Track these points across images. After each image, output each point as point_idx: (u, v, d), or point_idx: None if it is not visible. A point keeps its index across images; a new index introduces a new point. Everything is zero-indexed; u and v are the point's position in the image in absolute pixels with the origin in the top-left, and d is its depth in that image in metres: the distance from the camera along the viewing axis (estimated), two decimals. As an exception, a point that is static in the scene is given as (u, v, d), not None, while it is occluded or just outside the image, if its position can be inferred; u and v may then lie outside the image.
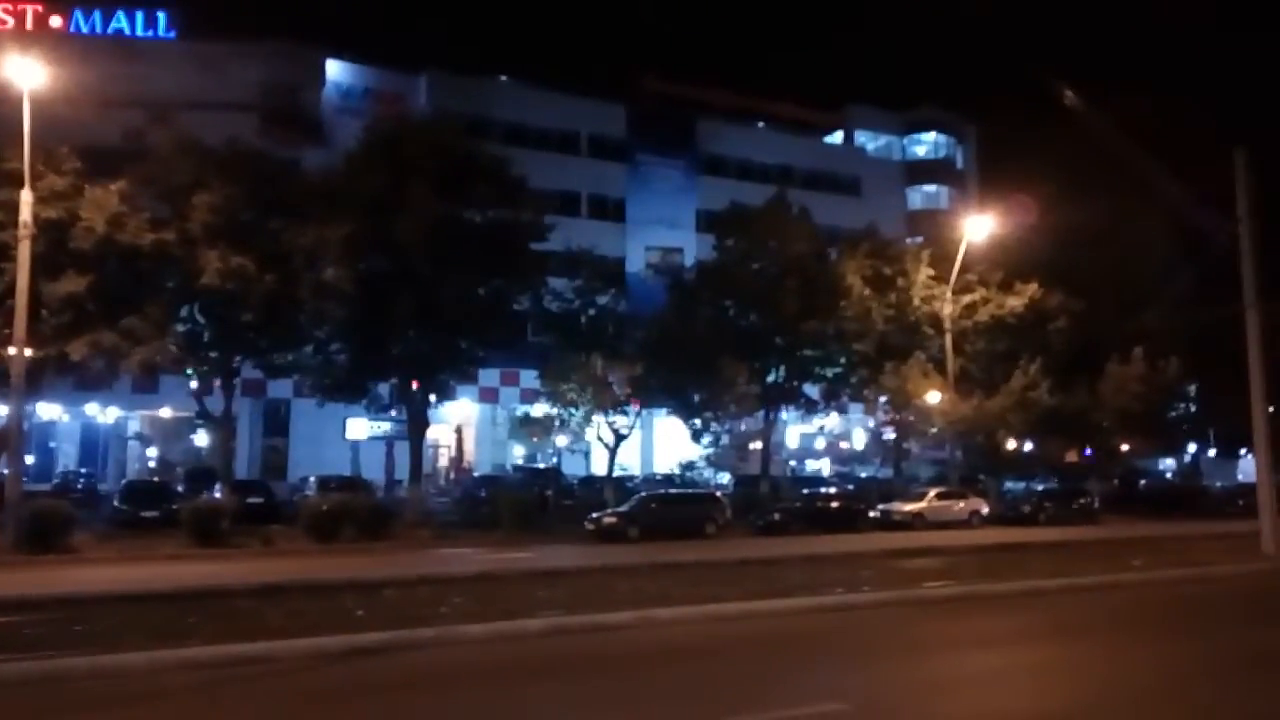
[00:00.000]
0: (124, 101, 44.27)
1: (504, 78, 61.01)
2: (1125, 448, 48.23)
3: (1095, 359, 43.58)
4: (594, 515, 31.74)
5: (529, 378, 43.09)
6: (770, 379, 42.12)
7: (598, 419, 37.26)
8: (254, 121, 45.25)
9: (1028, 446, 47.19)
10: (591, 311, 40.33)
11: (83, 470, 47.97)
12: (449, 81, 55.79)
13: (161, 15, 52.32)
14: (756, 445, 44.72)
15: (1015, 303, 42.70)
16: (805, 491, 40.83)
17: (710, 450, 42.73)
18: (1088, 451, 48.76)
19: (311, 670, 11.25)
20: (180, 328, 31.47)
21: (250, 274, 29.88)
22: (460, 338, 35.34)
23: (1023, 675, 11.06)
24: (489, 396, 52.57)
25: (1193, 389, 51.62)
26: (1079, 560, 21.76)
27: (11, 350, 25.30)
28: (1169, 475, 60.34)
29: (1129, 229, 47.60)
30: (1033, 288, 42.91)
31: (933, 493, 38.37)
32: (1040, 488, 44.99)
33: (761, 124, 68.93)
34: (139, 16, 52.16)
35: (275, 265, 30.61)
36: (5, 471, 26.67)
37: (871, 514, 36.01)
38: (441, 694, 10.23)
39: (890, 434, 48.61)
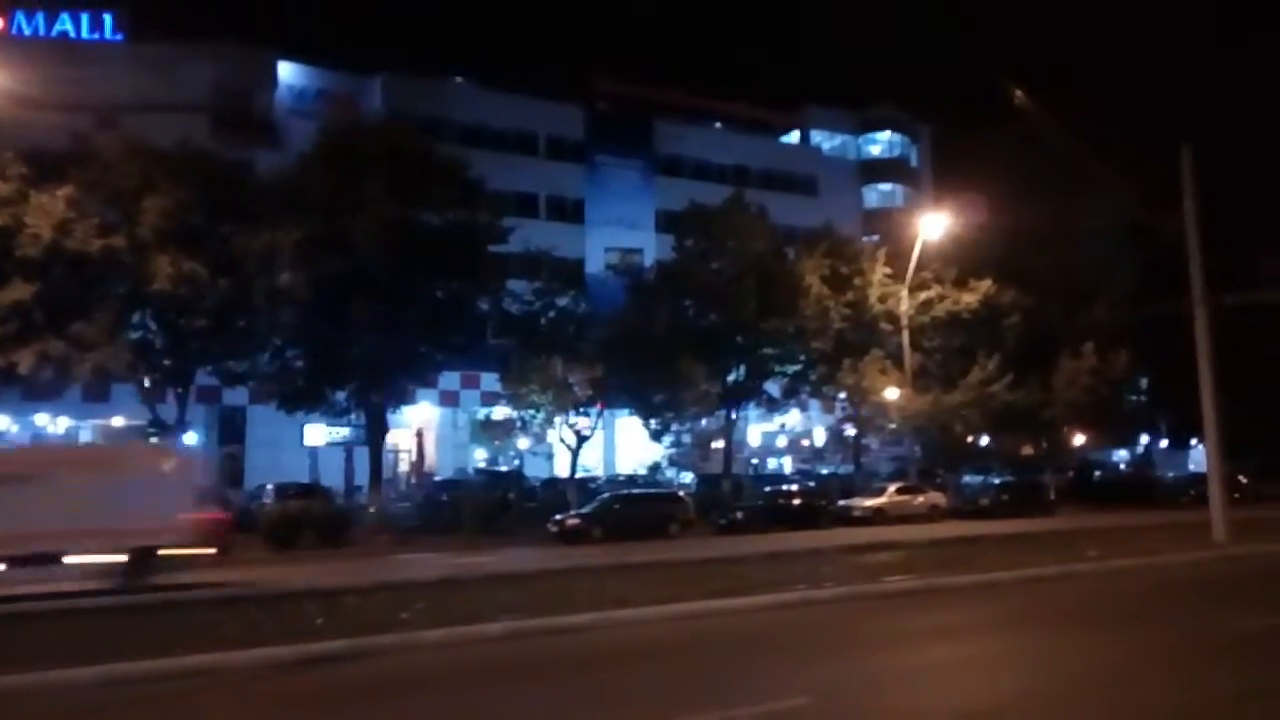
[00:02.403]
0: (70, 105, 43.22)
1: (459, 79, 60.62)
2: (1079, 440, 49.03)
3: (1048, 354, 44.33)
4: (557, 517, 31.67)
5: (490, 380, 42.88)
6: (731, 378, 42.30)
7: (559, 421, 37.19)
8: (205, 124, 44.55)
9: (984, 441, 47.85)
10: (551, 313, 40.29)
11: (32, 482, 46.86)
12: (404, 83, 55.31)
13: (108, 17, 51.34)
14: (718, 444, 44.88)
15: (970, 299, 43.31)
16: (767, 489, 41.05)
17: (672, 450, 42.79)
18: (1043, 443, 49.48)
19: (268, 680, 11.09)
20: (132, 335, 30.92)
21: (202, 279, 29.45)
22: (419, 341, 35.12)
23: (981, 666, 11.19)
24: (449, 400, 52.19)
25: (1144, 381, 52.62)
26: (1035, 552, 22.04)
27: (-45, 360, 24.71)
28: (1122, 466, 61.42)
29: (1079, 226, 48.45)
30: (987, 284, 43.55)
31: (892, 488, 38.77)
32: (997, 481, 45.64)
33: (718, 124, 69.18)
34: (84, 19, 51.15)
35: (228, 270, 30.22)
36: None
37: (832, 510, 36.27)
38: (401, 701, 10.13)
39: (850, 430, 49.02)
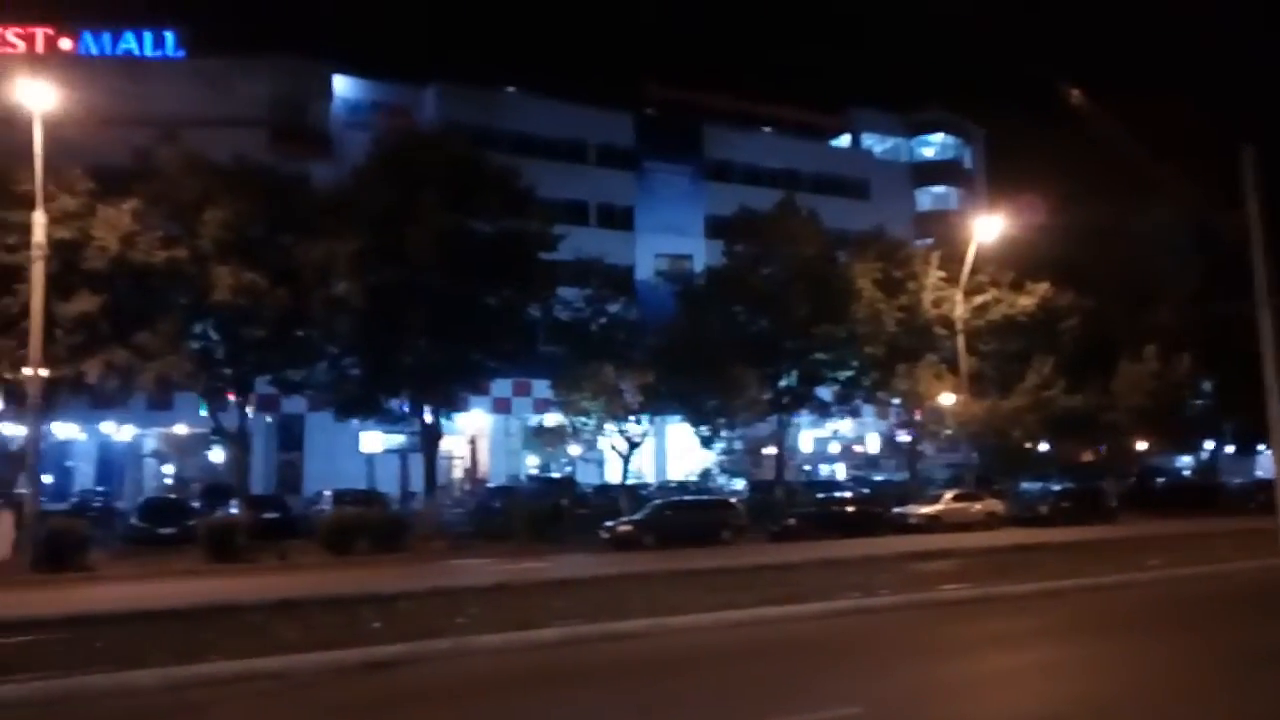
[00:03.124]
0: (133, 121, 44.50)
1: (511, 89, 61.23)
2: (1141, 446, 47.93)
3: (1108, 357, 43.43)
4: (609, 524, 31.73)
5: (541, 388, 43.17)
6: (782, 384, 42.06)
7: (610, 427, 37.28)
8: (262, 138, 45.56)
9: (1044, 447, 46.99)
10: (602, 320, 40.41)
11: (100, 489, 48.19)
12: (456, 94, 56.01)
13: (169, 35, 52.73)
14: (770, 450, 44.64)
15: (1027, 302, 42.62)
16: (820, 496, 40.76)
17: (724, 456, 42.66)
18: (1103, 449, 48.49)
19: (328, 684, 11.27)
20: (194, 345, 31.61)
21: (261, 289, 30.00)
22: (471, 349, 35.44)
23: (1038, 676, 11.01)
24: (502, 407, 52.64)
25: (1208, 385, 51.28)
26: (1095, 560, 21.63)
27: (27, 371, 25.47)
28: (1186, 473, 59.88)
29: (1138, 226, 47.41)
30: (1044, 287, 42.83)
31: (949, 495, 38.24)
32: (1056, 488, 44.75)
33: (768, 129, 68.96)
34: (147, 37, 52.59)
35: (286, 281, 30.74)
36: (23, 491, 26.84)
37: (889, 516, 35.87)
38: (458, 706, 10.24)
39: (905, 437, 48.46)
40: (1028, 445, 44.82)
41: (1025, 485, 47.81)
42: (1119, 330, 44.61)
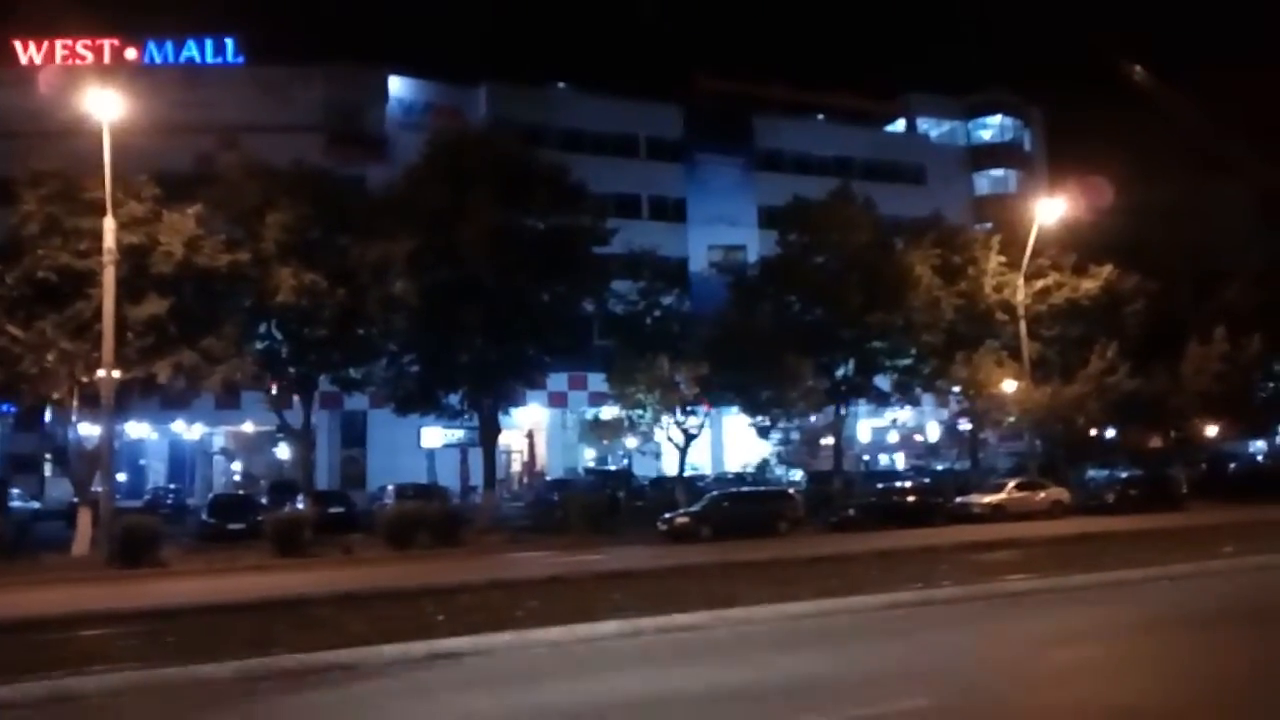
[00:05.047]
0: (195, 128, 45.68)
1: (561, 85, 61.52)
2: (1211, 431, 46.63)
3: (1174, 340, 42.28)
4: (666, 516, 31.78)
5: (596, 381, 43.33)
6: (839, 373, 41.71)
7: (666, 419, 37.31)
8: (319, 142, 46.37)
9: (1110, 433, 45.96)
10: (656, 313, 40.41)
11: (171, 486, 49.62)
12: (507, 92, 56.42)
13: (229, 42, 53.87)
14: (827, 441, 44.30)
15: (1090, 286, 41.69)
16: (879, 486, 40.33)
17: (780, 447, 42.43)
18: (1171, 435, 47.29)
19: (400, 675, 11.46)
20: (258, 345, 32.30)
21: (322, 290, 30.52)
22: (526, 344, 35.72)
23: (1107, 669, 10.81)
24: (558, 401, 52.99)
25: (1281, 367, 49.67)
26: (1165, 549, 21.14)
27: (101, 373, 26.26)
28: (1260, 458, 58.10)
29: (1204, 205, 46.05)
30: (1107, 269, 41.85)
31: (1012, 484, 37.59)
32: (1124, 475, 43.73)
33: (820, 116, 68.32)
34: (208, 44, 53.80)
35: (344, 281, 31.24)
36: (99, 489, 27.72)
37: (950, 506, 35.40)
38: (518, 696, 10.34)
39: (965, 425, 47.74)
40: (1093, 432, 43.85)
41: (1091, 473, 46.80)
42: (1186, 312, 43.41)
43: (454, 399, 36.90)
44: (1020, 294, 40.09)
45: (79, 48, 52.41)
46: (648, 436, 39.17)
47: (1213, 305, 43.33)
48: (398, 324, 32.59)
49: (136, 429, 43.89)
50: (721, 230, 59.43)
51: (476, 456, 40.71)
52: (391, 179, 37.54)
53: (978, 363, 40.16)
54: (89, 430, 29.79)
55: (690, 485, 39.37)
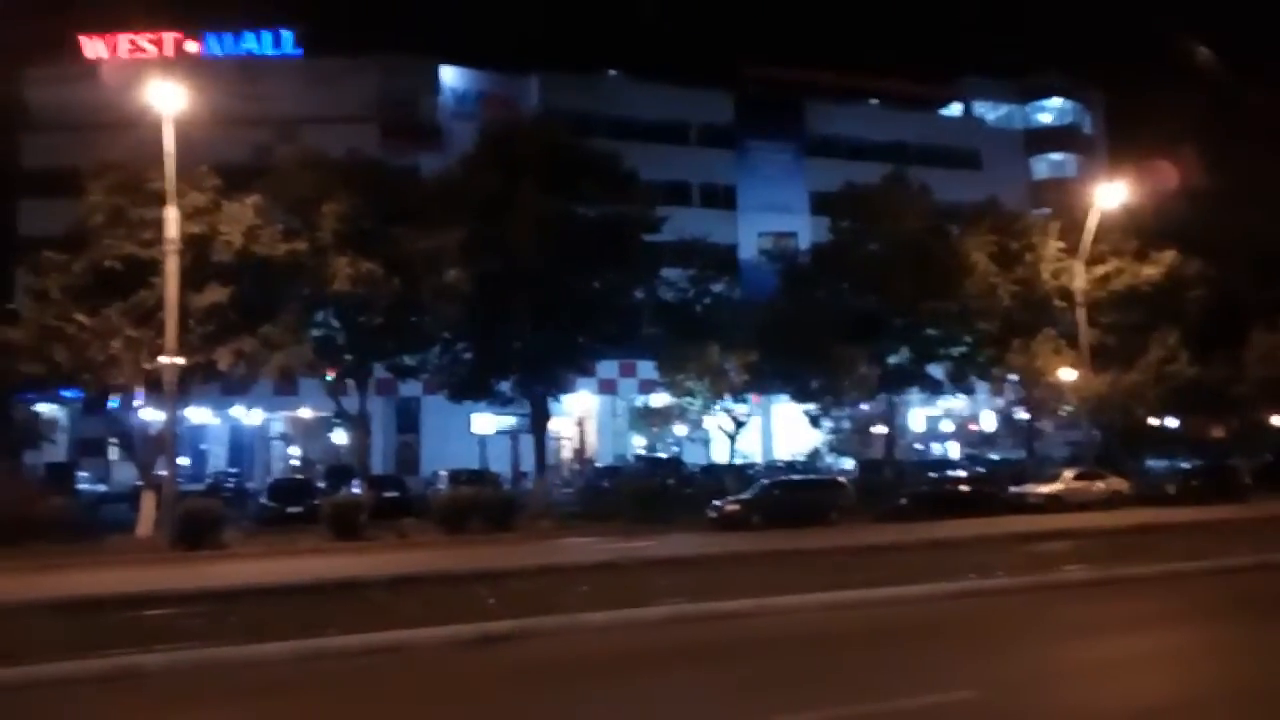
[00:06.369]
0: (253, 120, 46.56)
1: (612, 72, 61.54)
2: (1276, 420, 45.38)
3: (1238, 328, 41.20)
4: (716, 503, 31.75)
5: (646, 368, 43.45)
6: (891, 361, 41.29)
7: (716, 407, 37.27)
8: (374, 132, 46.99)
9: (1171, 423, 44.95)
10: (706, 300, 40.37)
11: (232, 470, 50.79)
12: (558, 80, 56.60)
13: (287, 34, 54.75)
14: (879, 429, 43.93)
15: (1151, 272, 40.75)
16: (932, 475, 39.90)
17: (831, 435, 42.18)
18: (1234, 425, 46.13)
19: (451, 657, 11.66)
20: (315, 332, 32.88)
21: (377, 278, 30.97)
22: (577, 332, 35.91)
23: (1163, 662, 10.63)
24: (608, 388, 53.21)
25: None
26: (1227, 541, 20.63)
27: (164, 359, 26.95)
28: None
29: (1268, 189, 44.62)
30: (1169, 255, 40.85)
31: (1069, 473, 36.93)
32: (1185, 466, 42.75)
33: (873, 101, 67.49)
34: (266, 37, 54.72)
35: (399, 270, 31.66)
36: (162, 473, 28.48)
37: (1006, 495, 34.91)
38: (571, 680, 10.48)
39: (1022, 414, 46.99)
40: (1152, 421, 42.92)
41: (1151, 463, 45.83)
42: (1249, 299, 42.24)
43: (505, 386, 37.26)
44: (1079, 280, 39.29)
45: (141, 42, 53.65)
46: (697, 424, 39.21)
47: (1277, 292, 42.11)
48: (451, 312, 32.95)
49: (198, 414, 44.91)
50: (772, 217, 59.13)
51: (527, 443, 41.08)
52: (444, 168, 37.94)
53: (1035, 350, 39.50)
54: (153, 415, 30.57)
55: (740, 473, 39.32)
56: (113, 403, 31.58)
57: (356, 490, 32.51)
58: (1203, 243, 41.86)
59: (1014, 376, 42.82)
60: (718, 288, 41.07)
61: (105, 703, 9.98)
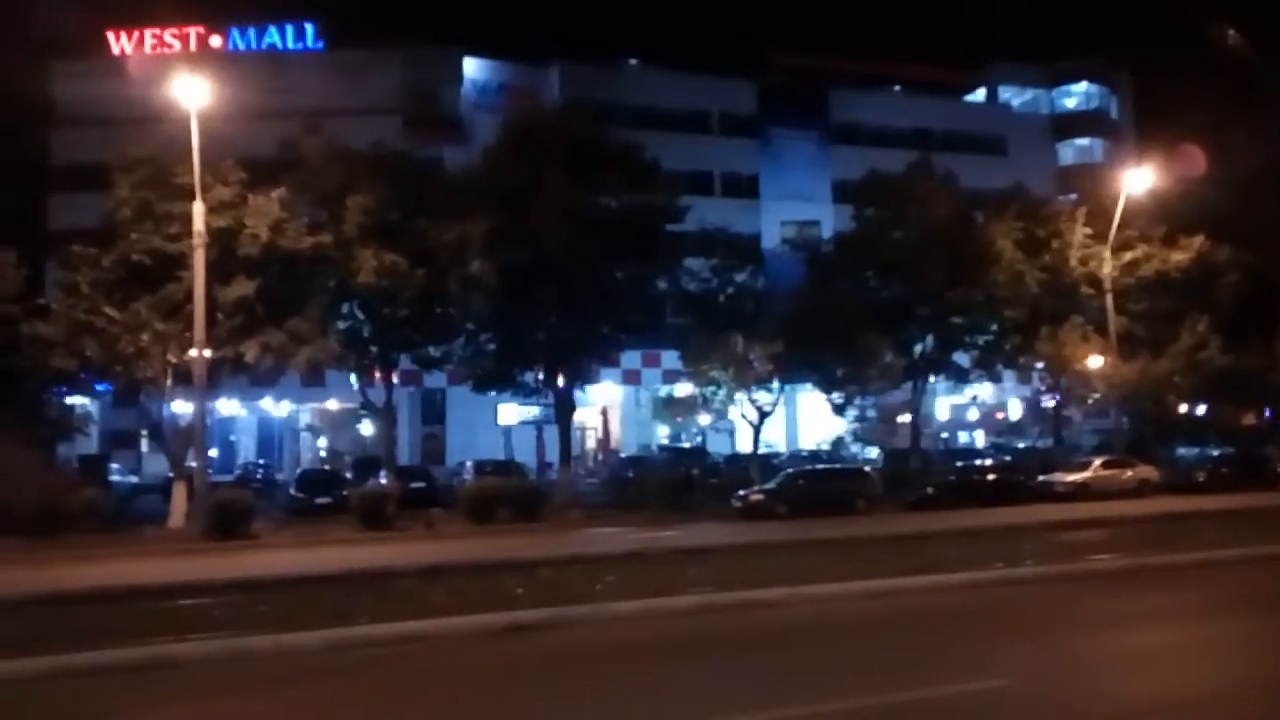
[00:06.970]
0: (278, 113, 46.81)
1: (633, 62, 61.34)
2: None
3: (1269, 315, 40.62)
4: (741, 493, 31.75)
5: (670, 358, 43.38)
6: (917, 350, 41.04)
7: (740, 397, 37.20)
8: (398, 125, 47.08)
9: (1201, 411, 44.44)
10: (729, 290, 40.16)
11: (261, 461, 51.29)
12: (580, 70, 56.49)
13: (310, 27, 54.97)
14: (905, 418, 43.70)
15: (1180, 258, 40.25)
16: (959, 464, 39.71)
17: (856, 424, 42.02)
18: (1268, 413, 45.54)
19: (480, 646, 11.74)
20: (341, 325, 33.09)
21: (402, 271, 31.13)
22: (600, 322, 35.92)
23: (1194, 651, 10.53)
24: (632, 378, 53.22)
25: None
26: (1258, 529, 20.39)
27: (193, 352, 27.23)
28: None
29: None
30: (1199, 241, 40.33)
31: (1098, 462, 36.64)
32: (1215, 453, 42.27)
33: (897, 88, 66.90)
34: (289, 30, 54.96)
35: (423, 262, 31.79)
36: (193, 465, 28.80)
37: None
38: (598, 668, 10.52)
39: (1049, 402, 46.60)
40: (1182, 409, 42.45)
41: (1181, 451, 45.36)
42: (1282, 285, 41.63)
43: (530, 377, 37.36)
44: (1107, 267, 38.89)
45: (167, 37, 54.04)
46: (721, 414, 39.12)
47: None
48: (475, 303, 33.06)
49: (227, 406, 45.35)
50: (795, 206, 58.82)
51: (552, 433, 41.17)
52: (468, 160, 38.02)
53: (1063, 338, 39.15)
54: (182, 408, 30.91)
55: (765, 463, 39.24)
56: (143, 395, 31.94)
57: (384, 481, 32.74)
58: (1234, 229, 41.28)
59: (1041, 364, 42.46)
60: (741, 277, 40.84)
61: (139, 691, 10.10)
